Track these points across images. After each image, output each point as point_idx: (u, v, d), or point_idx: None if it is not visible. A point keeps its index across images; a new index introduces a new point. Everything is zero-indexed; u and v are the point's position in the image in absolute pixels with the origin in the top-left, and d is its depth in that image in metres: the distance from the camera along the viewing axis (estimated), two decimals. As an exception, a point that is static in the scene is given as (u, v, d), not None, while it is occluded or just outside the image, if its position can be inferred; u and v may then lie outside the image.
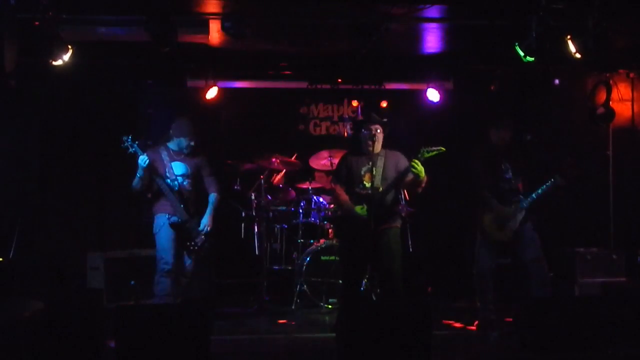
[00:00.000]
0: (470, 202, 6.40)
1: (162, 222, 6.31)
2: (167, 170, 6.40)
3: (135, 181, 6.30)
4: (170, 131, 6.51)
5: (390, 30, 6.20)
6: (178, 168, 6.46)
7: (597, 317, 5.24)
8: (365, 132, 5.74)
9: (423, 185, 5.62)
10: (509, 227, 6.07)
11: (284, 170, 7.76)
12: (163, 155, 6.45)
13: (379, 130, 5.70)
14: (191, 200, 6.48)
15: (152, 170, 6.25)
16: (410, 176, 5.54)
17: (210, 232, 6.47)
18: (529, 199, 6.06)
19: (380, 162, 5.66)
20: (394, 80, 8.43)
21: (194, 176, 6.53)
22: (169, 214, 6.30)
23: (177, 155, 6.51)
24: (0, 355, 4.43)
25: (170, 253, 6.26)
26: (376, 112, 5.97)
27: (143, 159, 6.17)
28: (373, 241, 5.48)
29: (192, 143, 6.47)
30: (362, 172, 5.67)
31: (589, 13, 5.87)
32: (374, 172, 5.56)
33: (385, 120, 5.83)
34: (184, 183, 6.45)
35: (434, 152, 5.47)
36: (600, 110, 8.05)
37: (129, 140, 6.22)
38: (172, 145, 6.51)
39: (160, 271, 6.24)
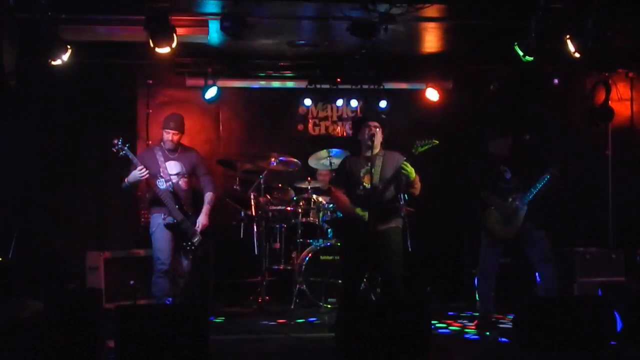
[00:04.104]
0: (471, 203, 6.41)
1: (158, 222, 6.30)
2: (161, 170, 6.38)
3: (126, 185, 6.31)
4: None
5: (390, 30, 6.20)
6: (172, 167, 6.43)
7: (597, 317, 5.24)
8: (364, 130, 5.73)
9: (416, 186, 5.61)
10: (513, 224, 6.06)
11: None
12: (157, 155, 6.43)
13: (378, 129, 5.68)
14: (186, 199, 6.46)
15: (148, 179, 6.25)
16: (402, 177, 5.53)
17: (206, 231, 6.46)
18: (528, 194, 6.05)
19: (378, 163, 5.63)
20: (393, 80, 8.42)
21: (189, 175, 6.52)
22: (164, 214, 6.28)
23: (171, 154, 6.49)
24: (0, 355, 4.43)
25: (166, 253, 6.25)
26: (374, 110, 5.95)
27: (142, 173, 6.15)
28: (373, 241, 5.47)
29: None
30: (362, 174, 5.66)
31: (588, 13, 5.88)
32: (373, 173, 5.55)
33: (383, 116, 5.81)
34: (179, 182, 6.43)
35: (428, 146, 5.47)
36: (599, 109, 8.06)
37: (120, 143, 6.18)
38: (164, 143, 6.51)
39: (157, 272, 6.24)
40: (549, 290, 6.03)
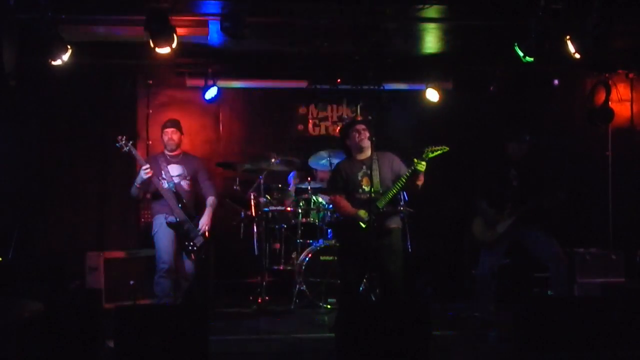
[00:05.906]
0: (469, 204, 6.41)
1: (160, 223, 6.33)
2: (163, 173, 6.43)
3: (133, 189, 6.37)
4: None
5: (390, 31, 6.20)
6: (174, 170, 6.52)
7: (597, 317, 5.24)
8: (353, 134, 5.72)
9: (421, 179, 5.58)
10: (496, 230, 6.07)
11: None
12: (160, 161, 6.51)
13: (367, 133, 5.68)
14: (189, 200, 6.50)
15: (151, 178, 6.28)
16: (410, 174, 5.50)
17: (208, 232, 6.48)
18: (522, 207, 6.03)
19: (375, 165, 5.60)
20: (393, 81, 8.42)
21: (191, 177, 6.56)
22: (166, 214, 6.31)
23: (173, 158, 6.55)
24: (0, 355, 4.42)
25: (168, 253, 6.27)
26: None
27: (145, 170, 6.19)
28: (374, 242, 5.46)
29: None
30: (359, 177, 5.65)
31: (588, 13, 5.88)
32: (372, 175, 5.54)
33: (370, 117, 5.79)
34: (181, 183, 6.49)
35: (438, 152, 5.45)
36: (599, 110, 8.06)
37: (123, 140, 6.26)
38: (165, 144, 6.59)
39: (159, 271, 6.27)
40: (561, 286, 6.02)
